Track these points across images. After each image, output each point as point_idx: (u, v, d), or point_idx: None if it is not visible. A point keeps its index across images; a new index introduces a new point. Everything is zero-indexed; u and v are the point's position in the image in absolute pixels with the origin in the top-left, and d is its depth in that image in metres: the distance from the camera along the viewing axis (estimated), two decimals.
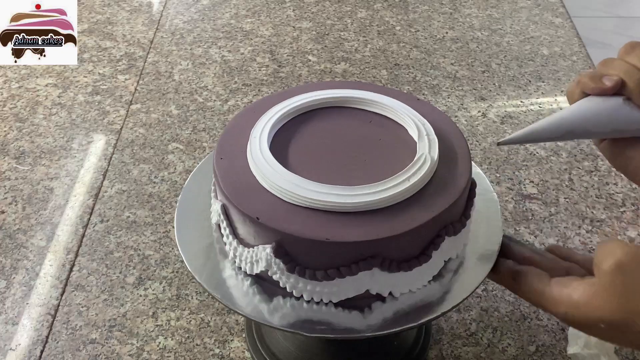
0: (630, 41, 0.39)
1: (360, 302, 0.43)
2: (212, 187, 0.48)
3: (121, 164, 0.79)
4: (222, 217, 0.45)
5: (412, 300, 0.44)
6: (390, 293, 0.43)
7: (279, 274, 0.42)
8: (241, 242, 0.44)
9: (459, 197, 0.43)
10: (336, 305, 0.43)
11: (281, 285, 0.43)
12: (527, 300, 0.42)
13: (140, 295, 0.63)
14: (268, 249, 0.41)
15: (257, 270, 0.43)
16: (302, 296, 0.43)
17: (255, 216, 0.41)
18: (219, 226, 0.47)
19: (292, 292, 0.43)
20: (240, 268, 0.46)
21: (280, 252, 0.41)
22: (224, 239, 0.46)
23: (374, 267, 0.41)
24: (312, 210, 0.41)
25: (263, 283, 0.45)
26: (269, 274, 0.43)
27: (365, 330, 0.42)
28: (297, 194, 0.41)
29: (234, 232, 0.45)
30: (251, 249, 0.43)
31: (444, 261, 0.45)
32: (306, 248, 0.41)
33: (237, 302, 0.44)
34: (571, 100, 0.40)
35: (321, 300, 0.43)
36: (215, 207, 0.46)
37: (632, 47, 0.38)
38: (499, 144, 0.43)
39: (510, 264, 0.43)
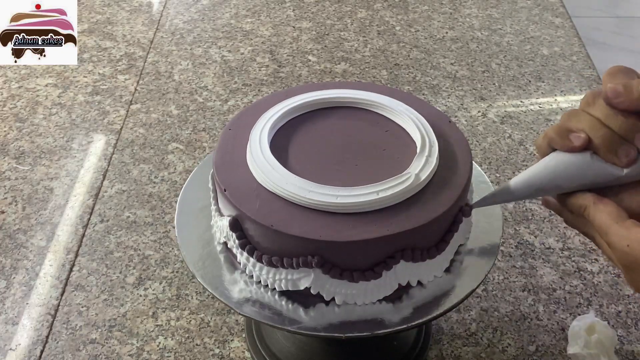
0: (592, 91, 0.39)
1: (393, 295, 0.44)
2: (213, 202, 0.47)
3: (121, 164, 0.79)
4: (242, 242, 0.44)
5: (426, 293, 0.45)
6: (419, 282, 0.44)
7: (321, 282, 0.42)
8: (266, 259, 0.43)
9: (467, 182, 0.44)
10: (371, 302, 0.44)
11: (313, 291, 0.43)
12: (581, 230, 0.41)
13: (140, 295, 0.63)
14: (310, 261, 0.42)
15: (297, 287, 0.43)
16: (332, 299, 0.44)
17: (297, 233, 0.41)
18: (225, 244, 0.47)
19: (329, 298, 0.44)
20: (243, 272, 0.46)
21: (319, 260, 0.41)
22: (238, 256, 0.46)
23: (409, 259, 0.42)
24: (342, 214, 0.42)
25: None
26: (307, 284, 0.43)
27: (402, 322, 0.43)
28: (330, 202, 0.42)
29: (250, 246, 0.44)
30: (281, 269, 0.43)
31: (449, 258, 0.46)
32: (350, 250, 0.41)
33: (239, 304, 0.44)
34: (540, 152, 0.41)
35: (354, 302, 0.43)
36: (223, 222, 0.45)
37: (594, 98, 0.38)
38: (471, 207, 0.45)
39: (588, 197, 0.40)
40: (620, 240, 0.36)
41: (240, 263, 0.46)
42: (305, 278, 0.42)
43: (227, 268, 0.46)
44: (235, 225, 0.44)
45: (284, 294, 0.44)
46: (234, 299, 0.44)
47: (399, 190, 0.42)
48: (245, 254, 0.44)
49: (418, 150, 0.45)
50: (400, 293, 0.44)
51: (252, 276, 0.45)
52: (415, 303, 0.44)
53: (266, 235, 0.42)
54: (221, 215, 0.46)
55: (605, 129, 0.37)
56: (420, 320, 0.43)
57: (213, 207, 0.47)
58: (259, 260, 0.43)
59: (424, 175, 0.43)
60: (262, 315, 0.43)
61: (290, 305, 0.44)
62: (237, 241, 0.44)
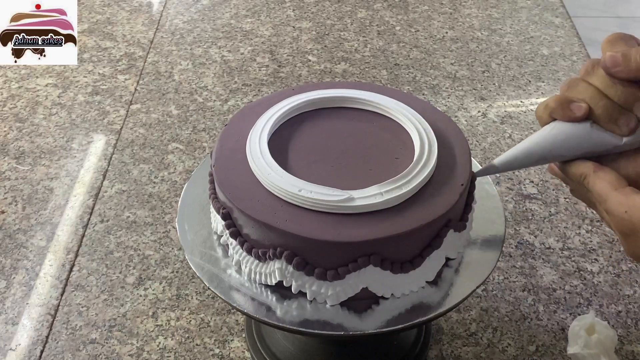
0: (591, 59, 0.39)
1: (362, 303, 0.43)
2: (210, 192, 0.48)
3: (121, 164, 0.79)
4: (224, 225, 0.45)
5: (413, 299, 0.44)
6: (392, 294, 0.43)
7: (289, 276, 0.42)
8: (247, 247, 0.44)
9: (458, 198, 0.43)
10: (340, 305, 0.43)
11: (285, 284, 0.43)
12: (580, 196, 0.41)
13: (140, 295, 0.63)
14: (279, 253, 0.41)
15: (272, 281, 0.43)
16: (306, 296, 0.44)
17: (262, 219, 0.41)
18: (219, 236, 0.47)
19: (296, 292, 0.43)
20: (240, 267, 0.46)
21: (289, 254, 0.41)
22: (230, 248, 0.46)
23: (376, 267, 0.41)
24: (314, 212, 0.42)
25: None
26: (279, 277, 0.43)
27: (366, 328, 0.42)
28: (301, 195, 0.42)
29: (240, 237, 0.44)
30: (264, 263, 0.43)
31: (445, 258, 0.45)
32: (316, 248, 0.41)
33: (238, 300, 0.44)
34: (540, 122, 0.41)
35: (325, 300, 0.43)
36: (216, 213, 0.46)
37: (593, 67, 0.38)
38: (476, 175, 0.45)
39: (587, 166, 0.40)
40: (619, 207, 0.37)
41: (228, 252, 0.46)
42: (277, 270, 0.42)
43: (223, 258, 0.47)
44: (223, 210, 0.44)
45: (267, 286, 0.44)
46: (231, 294, 0.44)
47: (397, 194, 0.42)
48: (233, 241, 0.44)
49: (417, 153, 0.45)
50: (374, 300, 0.44)
51: (240, 267, 0.46)
52: (391, 312, 0.43)
53: (250, 224, 0.43)
54: (215, 202, 0.46)
55: (605, 98, 0.38)
56: (421, 319, 0.43)
57: (210, 197, 0.48)
58: (241, 246, 0.44)
59: (422, 179, 0.43)
60: (247, 307, 0.43)
61: (270, 298, 0.44)
62: (225, 227, 0.45)
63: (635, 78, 0.37)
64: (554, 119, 0.40)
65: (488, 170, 0.44)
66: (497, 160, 0.43)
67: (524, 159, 0.42)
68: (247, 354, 0.58)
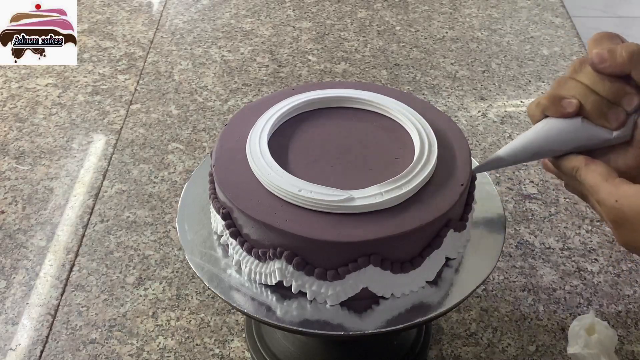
0: (579, 58, 0.41)
1: (362, 303, 0.43)
2: (210, 192, 0.48)
3: (121, 164, 0.79)
4: (224, 225, 0.45)
5: (413, 299, 0.44)
6: (392, 294, 0.43)
7: (289, 276, 0.42)
8: (247, 247, 0.44)
9: (459, 198, 0.43)
10: (340, 305, 0.43)
11: (285, 284, 0.43)
12: (573, 190, 0.43)
13: (140, 295, 0.63)
14: (279, 253, 0.41)
15: (272, 281, 0.43)
16: (306, 296, 0.44)
17: (262, 219, 0.41)
18: (219, 236, 0.47)
19: (296, 292, 0.43)
20: (240, 267, 0.46)
21: (289, 254, 0.41)
22: (230, 248, 0.46)
23: (376, 267, 0.41)
24: (314, 212, 0.42)
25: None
26: (279, 277, 0.43)
27: (366, 328, 0.42)
28: (301, 195, 0.42)
29: (240, 237, 0.44)
30: (264, 263, 0.43)
31: (446, 258, 0.45)
32: (316, 248, 0.41)
33: (238, 300, 0.44)
34: (533, 120, 0.43)
35: (325, 300, 0.43)
36: (216, 213, 0.46)
37: (581, 64, 0.40)
38: (475, 171, 0.46)
39: (579, 159, 0.41)
40: (609, 197, 0.38)
41: (228, 252, 0.46)
42: (277, 270, 0.42)
43: (223, 258, 0.47)
44: (223, 210, 0.44)
45: (267, 286, 0.44)
46: (231, 294, 0.44)
47: (397, 194, 0.42)
48: (233, 241, 0.44)
49: (417, 153, 0.45)
50: (374, 300, 0.43)
51: (240, 267, 0.45)
52: (391, 312, 0.43)
53: (250, 224, 0.43)
54: (215, 202, 0.46)
55: (594, 94, 0.39)
56: (420, 319, 0.43)
57: (210, 197, 0.48)
58: (241, 246, 0.44)
59: (422, 179, 0.43)
60: (247, 307, 0.43)
61: (270, 298, 0.44)
62: (225, 227, 0.44)
63: (621, 73, 0.38)
64: (546, 116, 0.41)
65: (483, 167, 0.45)
66: (492, 157, 0.44)
67: (518, 155, 0.43)
68: (247, 354, 0.58)
